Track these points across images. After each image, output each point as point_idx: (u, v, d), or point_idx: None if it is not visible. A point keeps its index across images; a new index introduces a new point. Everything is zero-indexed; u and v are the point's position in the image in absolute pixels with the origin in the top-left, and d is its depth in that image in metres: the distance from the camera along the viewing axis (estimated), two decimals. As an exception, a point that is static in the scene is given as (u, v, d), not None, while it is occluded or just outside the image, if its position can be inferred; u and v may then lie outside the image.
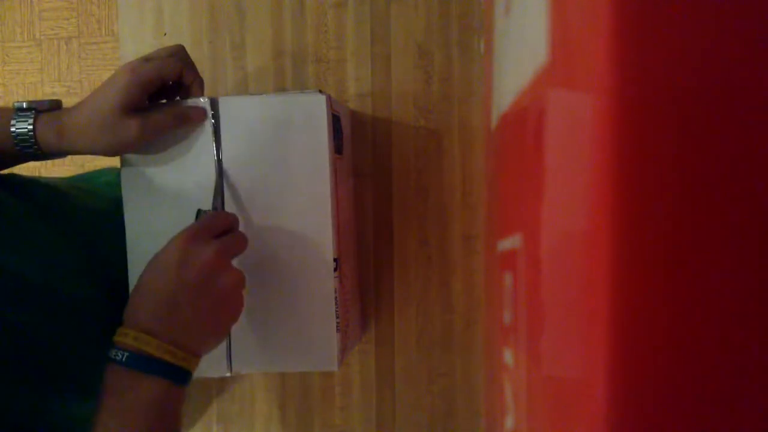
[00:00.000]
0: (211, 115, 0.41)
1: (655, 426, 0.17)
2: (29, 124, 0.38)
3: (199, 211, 0.40)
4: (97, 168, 0.60)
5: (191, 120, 0.41)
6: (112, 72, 0.39)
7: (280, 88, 0.53)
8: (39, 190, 0.46)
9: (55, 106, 0.40)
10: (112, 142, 0.39)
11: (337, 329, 0.42)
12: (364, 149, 0.52)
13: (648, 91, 0.17)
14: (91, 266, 0.43)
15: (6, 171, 0.43)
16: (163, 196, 0.42)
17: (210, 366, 0.42)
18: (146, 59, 0.39)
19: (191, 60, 0.42)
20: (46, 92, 1.45)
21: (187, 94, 0.42)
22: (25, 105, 0.39)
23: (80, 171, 0.61)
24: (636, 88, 0.17)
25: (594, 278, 0.18)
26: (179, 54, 0.41)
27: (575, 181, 0.20)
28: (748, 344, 0.17)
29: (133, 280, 0.43)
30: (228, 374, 0.42)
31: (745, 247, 0.17)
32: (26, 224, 0.41)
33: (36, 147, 0.39)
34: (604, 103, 0.17)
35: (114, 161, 0.44)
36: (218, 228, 0.38)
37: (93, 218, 0.47)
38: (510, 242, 0.32)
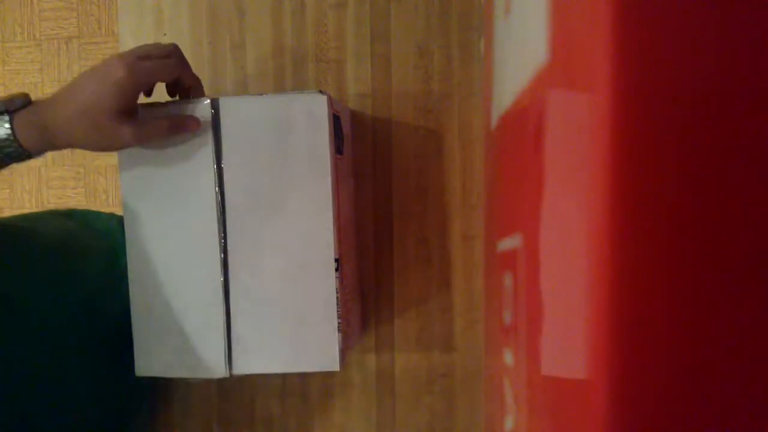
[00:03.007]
0: (211, 115, 0.41)
1: (655, 426, 0.17)
2: (8, 129, 0.36)
3: None
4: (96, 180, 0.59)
5: (185, 129, 0.41)
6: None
7: (280, 88, 0.53)
8: (35, 254, 0.44)
9: (27, 101, 0.37)
10: (103, 144, 0.38)
11: (339, 329, 0.42)
12: (364, 149, 0.52)
13: (647, 90, 0.17)
14: (90, 340, 0.44)
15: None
16: (164, 198, 0.42)
17: (210, 367, 0.42)
18: (142, 57, 0.38)
19: (186, 60, 0.41)
20: (46, 92, 1.45)
21: (187, 94, 0.42)
22: None
23: (80, 170, 0.60)
24: (635, 88, 0.17)
25: (594, 278, 0.18)
26: (175, 54, 0.40)
27: (575, 181, 0.20)
28: (749, 344, 0.17)
29: (133, 284, 0.43)
30: (228, 375, 0.42)
31: (745, 246, 0.17)
32: (30, 307, 0.40)
33: (20, 150, 0.37)
34: (603, 102, 0.17)
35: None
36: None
37: (94, 280, 0.46)
38: (510, 242, 0.32)
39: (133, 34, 0.55)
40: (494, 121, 0.38)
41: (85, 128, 0.37)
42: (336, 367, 0.42)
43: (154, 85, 0.39)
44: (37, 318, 0.40)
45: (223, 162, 0.41)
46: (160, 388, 0.55)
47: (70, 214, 0.54)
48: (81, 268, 0.47)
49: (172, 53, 0.40)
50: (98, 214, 0.56)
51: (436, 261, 0.52)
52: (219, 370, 0.42)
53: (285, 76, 0.53)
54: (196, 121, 0.41)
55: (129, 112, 0.38)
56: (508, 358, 0.32)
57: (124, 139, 0.38)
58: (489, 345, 0.43)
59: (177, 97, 0.43)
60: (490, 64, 0.41)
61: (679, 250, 0.17)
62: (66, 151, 0.40)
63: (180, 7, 0.54)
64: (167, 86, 0.42)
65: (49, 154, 0.40)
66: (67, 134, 0.37)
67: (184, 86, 0.41)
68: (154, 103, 0.42)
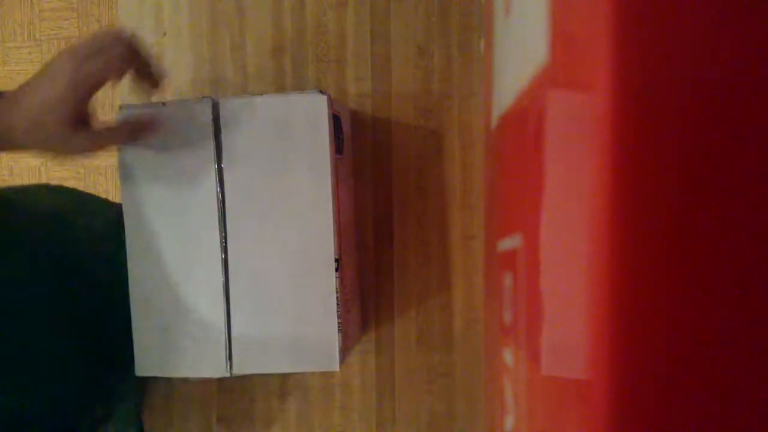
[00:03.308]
0: (211, 116, 0.41)
1: (655, 426, 0.17)
2: None
3: None
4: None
5: (143, 131, 0.39)
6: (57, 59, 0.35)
7: (280, 88, 0.53)
8: (25, 230, 0.42)
9: None
10: (60, 151, 0.36)
11: (339, 329, 0.42)
12: (364, 149, 0.52)
13: (648, 91, 0.17)
14: (86, 331, 0.43)
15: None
16: (165, 198, 0.42)
17: (210, 366, 0.42)
18: (89, 55, 0.34)
19: (137, 46, 0.37)
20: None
21: (153, 81, 0.39)
22: None
23: (80, 170, 0.59)
24: (636, 88, 0.17)
25: (594, 278, 0.18)
26: (120, 45, 0.35)
27: (575, 181, 0.20)
28: (749, 344, 0.17)
29: (133, 284, 0.43)
30: (228, 375, 0.42)
31: (746, 246, 0.17)
32: (19, 288, 0.39)
33: None
34: (603, 103, 0.17)
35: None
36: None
37: (87, 265, 0.45)
38: (510, 242, 0.32)
39: (133, 34, 0.55)
40: (494, 121, 0.38)
41: (40, 136, 0.35)
42: (336, 367, 0.42)
43: (104, 84, 0.36)
44: (28, 301, 0.40)
45: (223, 162, 0.41)
46: (160, 388, 0.55)
47: (62, 191, 0.52)
48: (74, 250, 0.46)
49: (116, 43, 0.35)
50: (92, 196, 0.54)
51: (436, 261, 0.52)
52: (219, 370, 0.42)
53: (285, 76, 0.53)
54: (153, 120, 0.40)
55: (82, 119, 0.36)
56: (508, 358, 0.32)
57: (80, 147, 0.36)
58: (489, 345, 0.43)
59: (145, 84, 0.40)
60: (490, 64, 0.41)
61: (679, 250, 0.17)
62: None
63: (180, 7, 0.54)
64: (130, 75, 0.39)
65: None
66: (24, 139, 0.35)
67: (143, 75, 0.38)
68: (154, 103, 0.42)
